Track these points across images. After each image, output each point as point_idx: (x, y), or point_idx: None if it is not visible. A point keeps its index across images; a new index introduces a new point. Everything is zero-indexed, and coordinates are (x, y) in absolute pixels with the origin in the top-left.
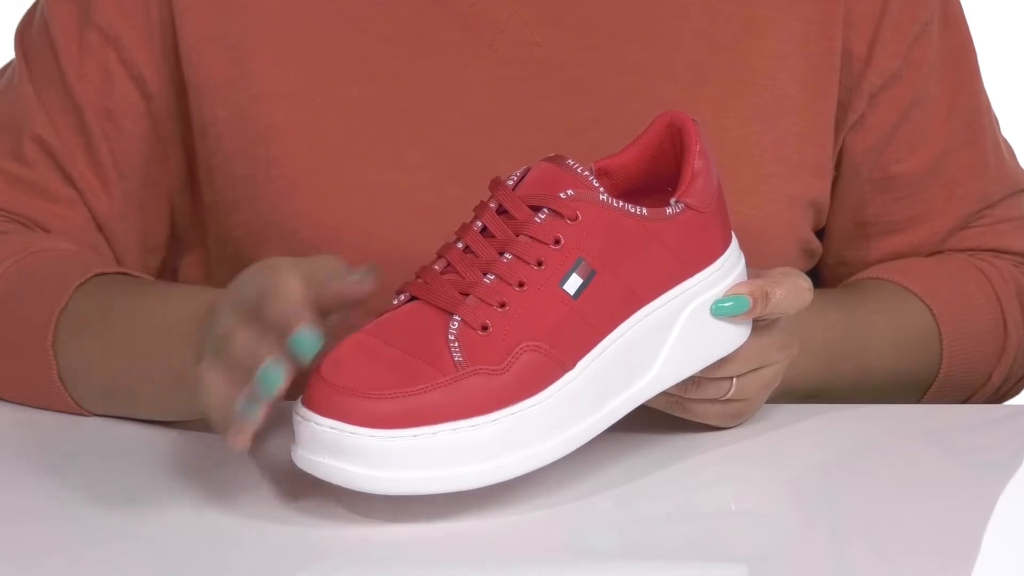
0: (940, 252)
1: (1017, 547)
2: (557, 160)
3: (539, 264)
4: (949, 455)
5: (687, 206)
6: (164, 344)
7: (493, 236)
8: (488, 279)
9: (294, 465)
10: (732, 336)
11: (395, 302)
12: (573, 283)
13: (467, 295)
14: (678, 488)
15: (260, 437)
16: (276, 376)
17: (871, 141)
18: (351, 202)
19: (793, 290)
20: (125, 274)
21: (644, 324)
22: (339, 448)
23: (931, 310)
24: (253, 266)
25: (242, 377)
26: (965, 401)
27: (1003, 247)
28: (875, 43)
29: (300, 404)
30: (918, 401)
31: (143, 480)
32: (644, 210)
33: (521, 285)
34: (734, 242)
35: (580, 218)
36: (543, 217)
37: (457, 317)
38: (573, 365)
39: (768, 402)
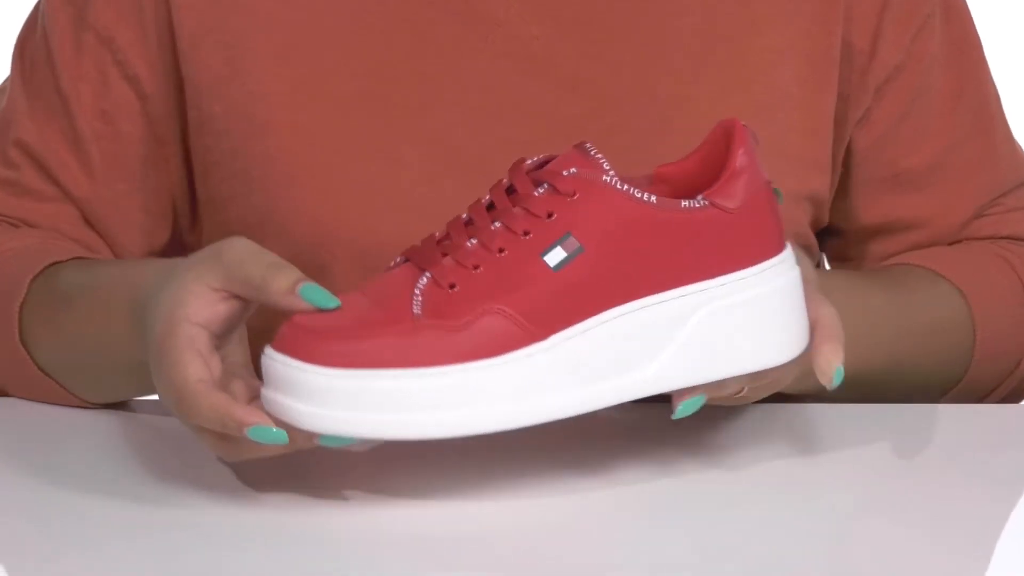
0: (958, 241)
1: (1018, 547)
2: (579, 146)
3: (525, 234)
4: (950, 455)
5: (712, 204)
6: (108, 337)
7: (495, 208)
8: (471, 243)
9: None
10: (766, 354)
11: (391, 264)
12: (555, 255)
13: (446, 256)
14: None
15: None
16: (267, 435)
17: (877, 135)
18: (346, 197)
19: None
20: (80, 259)
21: (645, 315)
22: (286, 383)
23: (964, 295)
24: (153, 305)
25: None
26: (993, 391)
27: (1018, 234)
28: (878, 37)
29: (269, 344)
30: (952, 388)
31: (142, 475)
32: (654, 198)
33: (501, 251)
34: (784, 254)
35: (578, 196)
36: (542, 191)
37: (428, 274)
38: (545, 336)
39: (802, 392)
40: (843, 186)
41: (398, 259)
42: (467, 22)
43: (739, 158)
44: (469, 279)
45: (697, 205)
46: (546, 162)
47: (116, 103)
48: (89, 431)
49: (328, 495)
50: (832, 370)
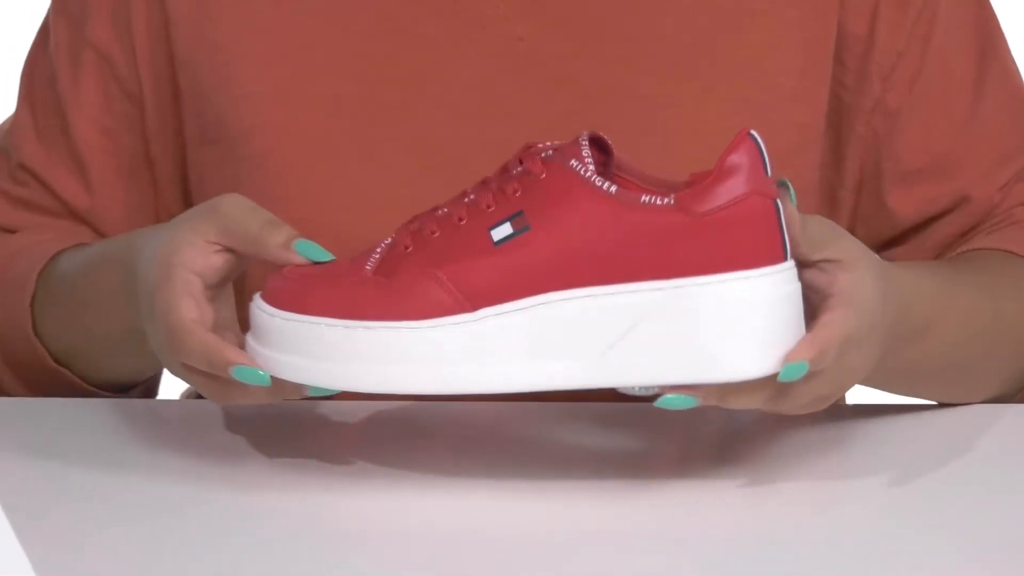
0: (998, 211)
1: (1017, 547)
2: (590, 135)
3: (488, 207)
4: (950, 455)
5: (679, 204)
6: (103, 304)
7: (485, 185)
8: (442, 212)
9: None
10: (727, 366)
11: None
12: (502, 231)
13: (415, 222)
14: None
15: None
16: (251, 375)
17: (900, 123)
18: (329, 198)
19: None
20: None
21: (592, 303)
22: (252, 323)
23: None
24: (146, 258)
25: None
26: None
27: None
28: (876, 22)
29: None
30: None
31: (141, 467)
32: (613, 188)
33: (460, 220)
34: (770, 270)
35: (544, 176)
36: (518, 170)
37: (392, 236)
38: (474, 309)
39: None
40: (884, 187)
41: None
42: (453, 22)
43: (726, 162)
44: (423, 243)
45: (660, 203)
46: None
47: (117, 118)
48: (88, 426)
49: (324, 492)
50: (789, 362)
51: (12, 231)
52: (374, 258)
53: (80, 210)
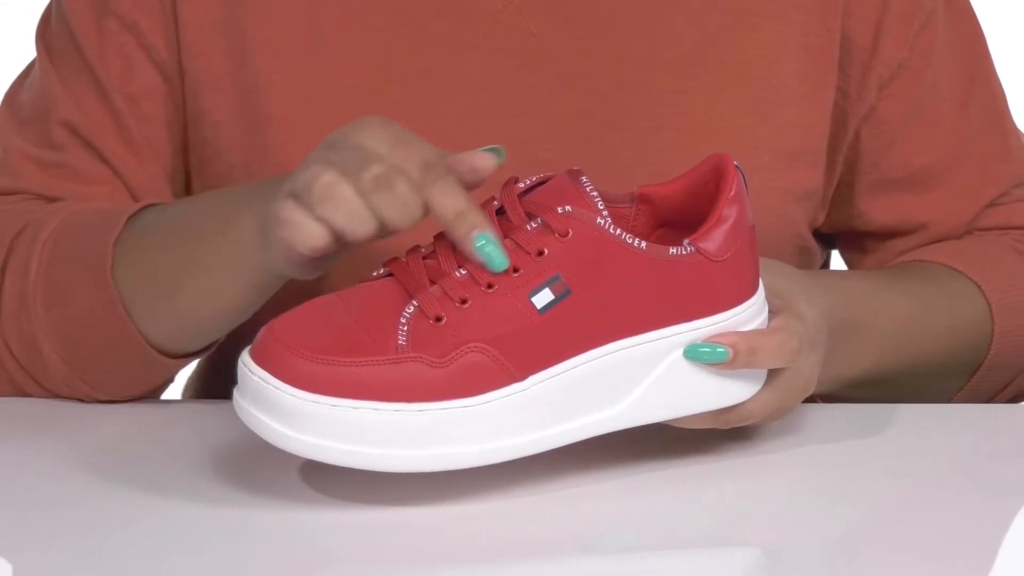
0: (968, 232)
1: (1017, 548)
2: (573, 175)
3: (515, 271)
4: (950, 455)
5: (698, 251)
6: (223, 219)
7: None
8: (459, 273)
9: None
10: (732, 392)
11: (375, 273)
12: (543, 298)
13: (434, 284)
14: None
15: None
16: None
17: (887, 133)
18: None
19: (777, 351)
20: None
21: (623, 355)
22: (262, 399)
23: (981, 289)
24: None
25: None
26: (1010, 383)
27: None
28: (879, 33)
29: (247, 350)
30: (967, 381)
31: (141, 471)
32: (643, 244)
33: (490, 287)
34: (757, 296)
35: (571, 235)
36: (534, 226)
37: (415, 303)
38: (523, 378)
39: (820, 390)
40: (856, 188)
41: (381, 270)
42: (466, 18)
43: (727, 206)
44: (456, 314)
45: (684, 252)
46: (539, 183)
47: (141, 87)
48: (85, 430)
49: (323, 492)
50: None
51: (51, 199)
52: (403, 330)
53: (123, 172)
